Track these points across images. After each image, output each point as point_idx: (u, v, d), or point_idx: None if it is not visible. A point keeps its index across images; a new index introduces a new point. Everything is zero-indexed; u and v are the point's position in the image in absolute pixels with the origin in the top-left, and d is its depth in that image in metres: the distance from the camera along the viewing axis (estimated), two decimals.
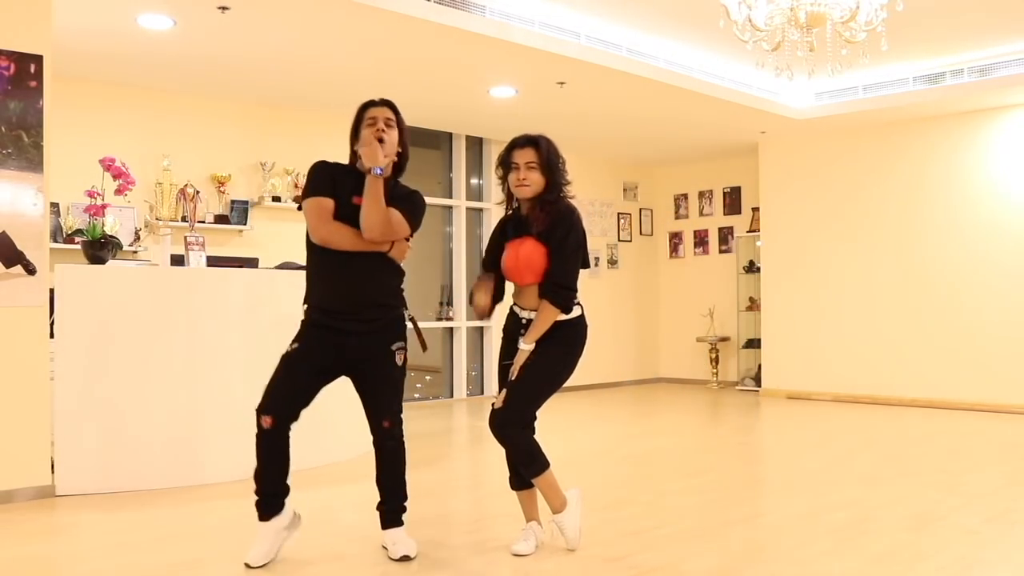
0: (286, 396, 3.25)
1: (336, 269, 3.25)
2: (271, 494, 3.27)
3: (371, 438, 3.40)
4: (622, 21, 6.40)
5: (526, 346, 3.30)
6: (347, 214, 3.23)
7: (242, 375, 4.72)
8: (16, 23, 4.35)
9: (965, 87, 7.46)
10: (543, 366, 3.30)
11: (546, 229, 3.31)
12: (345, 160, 3.38)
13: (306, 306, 3.36)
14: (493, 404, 3.33)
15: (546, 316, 3.29)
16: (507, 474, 3.48)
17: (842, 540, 3.57)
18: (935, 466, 5.26)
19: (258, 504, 3.27)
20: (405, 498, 3.40)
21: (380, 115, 3.30)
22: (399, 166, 3.39)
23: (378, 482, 3.39)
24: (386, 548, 3.36)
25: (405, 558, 3.28)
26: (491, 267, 3.50)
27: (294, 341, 3.32)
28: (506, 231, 3.47)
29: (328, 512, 4.13)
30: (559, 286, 3.30)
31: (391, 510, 3.38)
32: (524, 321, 3.38)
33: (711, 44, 6.88)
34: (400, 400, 3.41)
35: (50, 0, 4.50)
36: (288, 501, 3.31)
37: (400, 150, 3.35)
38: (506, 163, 3.40)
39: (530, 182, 3.33)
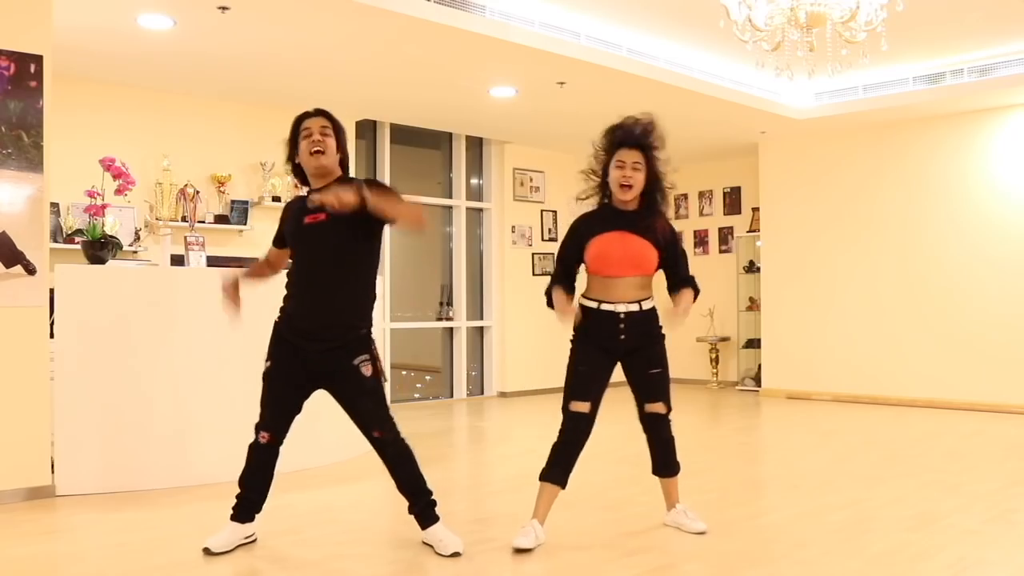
0: (277, 413, 3.38)
1: (304, 286, 3.35)
2: (252, 500, 3.42)
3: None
4: (622, 21, 6.40)
5: (682, 318, 3.40)
6: (299, 237, 3.39)
7: (242, 375, 4.70)
8: (16, 23, 4.35)
9: (965, 87, 7.46)
10: (664, 368, 3.58)
11: (664, 234, 3.45)
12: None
13: (279, 315, 3.43)
14: (652, 411, 3.61)
15: (692, 299, 3.48)
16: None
17: (842, 540, 3.57)
18: (935, 466, 5.26)
19: (236, 505, 3.42)
20: (430, 492, 3.43)
21: (315, 125, 3.38)
22: (343, 166, 3.46)
23: (398, 488, 3.43)
24: (431, 546, 3.39)
25: (456, 555, 3.30)
26: (569, 270, 3.54)
27: (267, 358, 3.41)
28: (591, 226, 3.49)
29: (328, 512, 4.13)
30: (694, 282, 3.54)
31: (423, 509, 3.42)
32: (622, 315, 3.41)
33: (711, 44, 6.88)
34: (384, 407, 3.40)
35: (50, 0, 4.50)
36: (258, 517, 3.46)
37: (340, 155, 3.42)
38: (608, 156, 3.47)
39: (634, 182, 3.40)
